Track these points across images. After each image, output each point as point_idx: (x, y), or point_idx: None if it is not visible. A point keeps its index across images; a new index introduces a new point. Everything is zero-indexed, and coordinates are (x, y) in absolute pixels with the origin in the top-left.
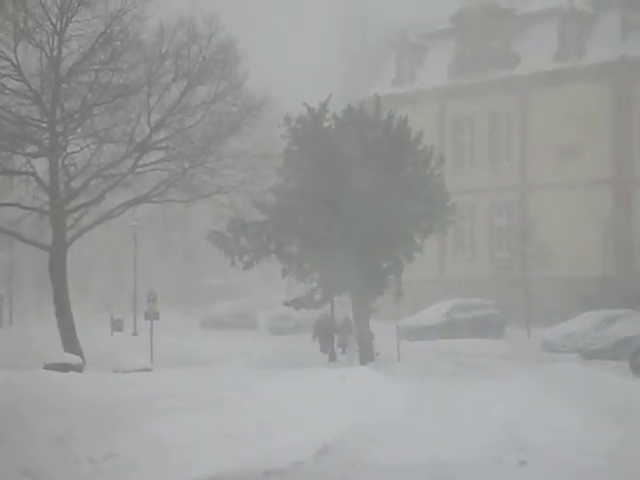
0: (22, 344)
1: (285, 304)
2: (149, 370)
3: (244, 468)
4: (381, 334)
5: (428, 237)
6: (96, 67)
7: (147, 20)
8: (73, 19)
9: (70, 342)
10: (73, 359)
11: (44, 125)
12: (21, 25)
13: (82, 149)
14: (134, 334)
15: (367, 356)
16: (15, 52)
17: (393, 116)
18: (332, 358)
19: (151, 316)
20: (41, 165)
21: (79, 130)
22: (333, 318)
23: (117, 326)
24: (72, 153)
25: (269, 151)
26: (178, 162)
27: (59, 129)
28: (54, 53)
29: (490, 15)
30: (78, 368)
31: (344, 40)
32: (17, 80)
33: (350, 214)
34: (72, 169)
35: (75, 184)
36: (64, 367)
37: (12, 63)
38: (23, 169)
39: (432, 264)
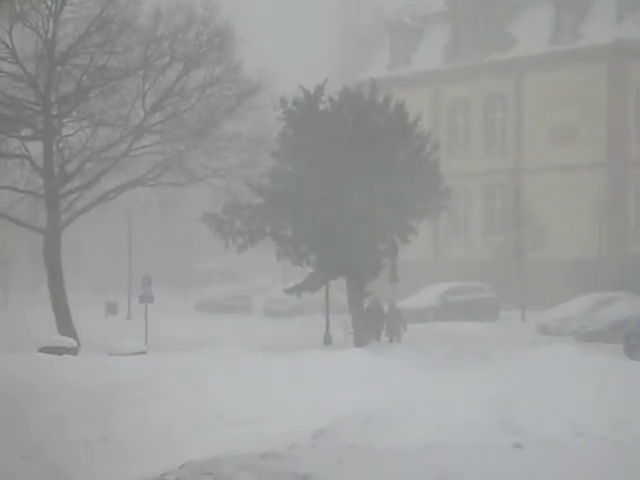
0: (17, 327)
1: (285, 291)
2: (144, 353)
3: (240, 451)
4: None
5: (423, 220)
6: (91, 50)
7: (143, 3)
8: (68, 2)
9: (65, 325)
10: (68, 342)
11: (39, 108)
12: (16, 8)
13: (77, 132)
14: (128, 317)
15: (363, 339)
16: (10, 35)
17: (390, 99)
18: (328, 341)
19: (146, 299)
20: (36, 148)
21: (74, 113)
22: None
23: (112, 309)
24: (67, 136)
25: (264, 134)
26: (173, 145)
27: (54, 112)
28: (49, 36)
29: None
30: (73, 351)
31: (338, 23)
32: (12, 63)
33: (345, 197)
34: (67, 152)
35: (70, 167)
36: (59, 350)
37: (7, 46)
38: (17, 152)
39: (427, 247)
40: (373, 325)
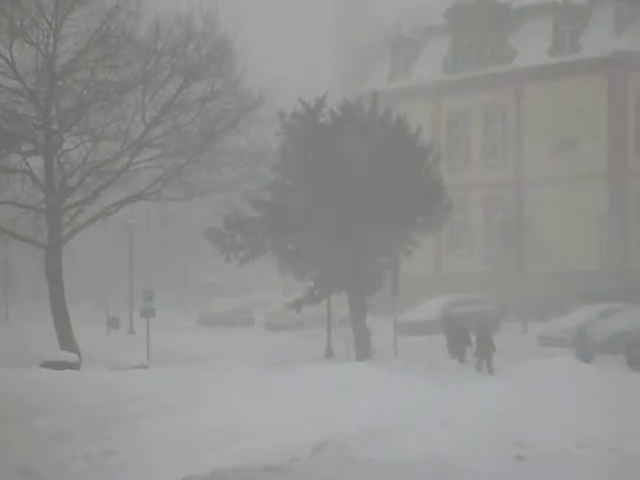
0: (18, 342)
1: (287, 306)
2: (146, 367)
3: (242, 464)
4: (378, 330)
5: (425, 233)
6: (91, 64)
7: (143, 17)
8: (69, 16)
9: (66, 340)
10: (70, 357)
11: (39, 123)
12: (17, 23)
13: (77, 147)
14: (130, 332)
15: (364, 352)
16: (10, 50)
17: (391, 112)
18: (329, 354)
19: (147, 314)
20: (36, 163)
21: (74, 128)
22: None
23: (113, 324)
24: (67, 151)
25: (265, 148)
26: (174, 159)
27: (54, 127)
28: (49, 50)
29: (485, 9)
30: (75, 366)
31: (338, 36)
32: (12, 78)
33: (347, 210)
34: (67, 167)
35: (71, 182)
36: (61, 365)
37: (7, 61)
38: (18, 167)
39: (428, 260)
40: (456, 346)
